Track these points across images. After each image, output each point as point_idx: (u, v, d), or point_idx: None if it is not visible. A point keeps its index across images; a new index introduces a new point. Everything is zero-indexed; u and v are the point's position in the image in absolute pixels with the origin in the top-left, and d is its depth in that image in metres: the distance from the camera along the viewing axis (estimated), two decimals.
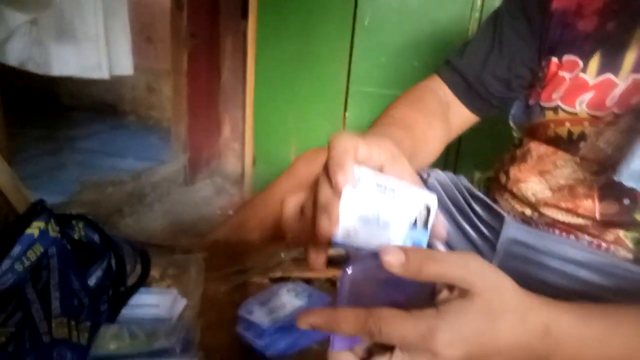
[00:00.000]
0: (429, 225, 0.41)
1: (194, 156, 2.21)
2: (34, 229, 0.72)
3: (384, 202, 0.39)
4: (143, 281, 0.77)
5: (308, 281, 0.80)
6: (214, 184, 2.27)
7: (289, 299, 0.66)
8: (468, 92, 0.81)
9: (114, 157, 2.03)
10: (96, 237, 0.78)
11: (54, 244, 0.73)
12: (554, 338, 0.40)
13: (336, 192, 0.39)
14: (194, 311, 0.72)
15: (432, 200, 0.41)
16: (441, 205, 0.86)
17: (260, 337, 0.61)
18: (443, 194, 0.86)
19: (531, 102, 0.77)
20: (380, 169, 0.43)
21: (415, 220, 0.40)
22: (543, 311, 0.40)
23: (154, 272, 0.80)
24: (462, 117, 0.83)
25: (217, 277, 0.81)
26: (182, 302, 0.73)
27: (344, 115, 1.93)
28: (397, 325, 0.35)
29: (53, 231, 0.74)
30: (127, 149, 2.11)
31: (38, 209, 0.76)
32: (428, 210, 0.41)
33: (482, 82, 0.80)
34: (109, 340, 0.58)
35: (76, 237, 0.78)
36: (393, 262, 0.36)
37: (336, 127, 1.94)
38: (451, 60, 0.82)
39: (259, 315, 0.63)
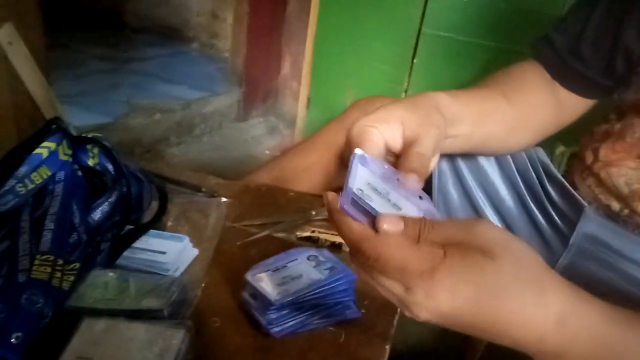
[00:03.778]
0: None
1: (250, 91, 2.12)
2: (44, 149, 0.66)
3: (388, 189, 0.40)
4: (156, 222, 0.71)
5: (337, 246, 0.71)
6: (268, 122, 2.20)
7: (306, 269, 0.56)
8: (562, 68, 0.68)
9: (168, 83, 1.98)
10: (110, 167, 0.71)
11: (62, 168, 0.67)
12: (569, 331, 0.35)
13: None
14: (202, 264, 0.65)
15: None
16: (509, 182, 0.73)
17: (266, 310, 0.53)
18: (513, 168, 0.73)
19: (638, 70, 0.62)
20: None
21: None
22: (565, 296, 0.35)
23: (172, 213, 0.74)
24: (568, 98, 0.69)
25: (237, 227, 0.74)
26: (192, 253, 0.66)
27: (412, 62, 1.76)
28: (399, 254, 0.34)
29: (64, 154, 0.68)
30: (183, 77, 2.06)
31: (53, 128, 0.70)
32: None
33: (579, 54, 0.65)
34: (94, 288, 0.51)
35: (90, 163, 0.71)
36: (391, 229, 0.35)
37: (401, 74, 1.78)
38: (548, 33, 0.69)
39: (268, 284, 0.54)
